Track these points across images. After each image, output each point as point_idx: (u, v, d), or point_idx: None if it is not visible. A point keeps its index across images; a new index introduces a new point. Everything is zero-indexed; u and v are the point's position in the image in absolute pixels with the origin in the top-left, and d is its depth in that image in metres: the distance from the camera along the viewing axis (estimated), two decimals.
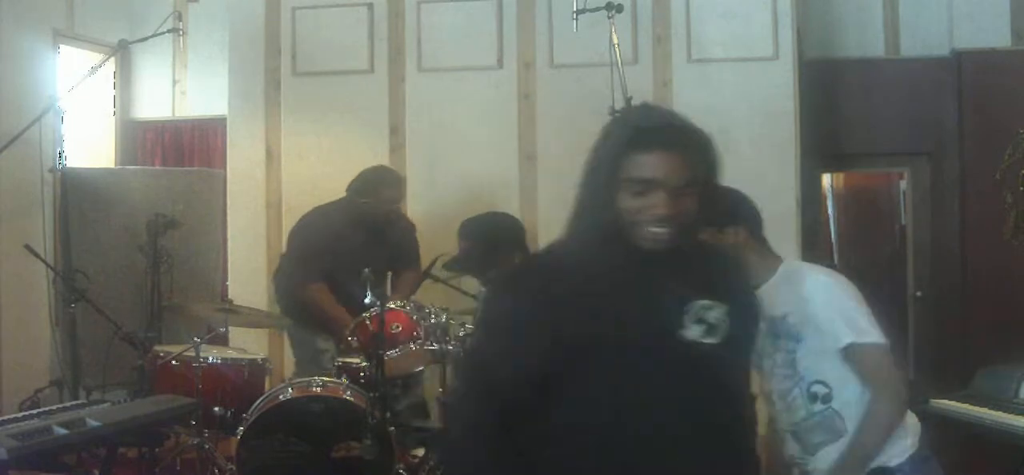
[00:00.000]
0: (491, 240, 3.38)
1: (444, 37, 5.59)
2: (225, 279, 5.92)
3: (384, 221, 4.78)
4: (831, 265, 6.38)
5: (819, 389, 2.33)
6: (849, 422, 2.31)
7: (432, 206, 5.56)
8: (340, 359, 4.47)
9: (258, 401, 4.13)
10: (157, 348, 4.64)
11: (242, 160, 5.80)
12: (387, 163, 5.64)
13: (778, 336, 2.36)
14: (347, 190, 4.79)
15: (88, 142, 6.69)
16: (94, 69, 5.53)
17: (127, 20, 6.59)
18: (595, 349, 1.73)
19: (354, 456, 3.87)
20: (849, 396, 2.32)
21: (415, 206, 5.60)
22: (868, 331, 2.30)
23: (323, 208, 4.87)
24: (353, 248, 4.60)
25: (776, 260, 2.45)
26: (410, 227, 5.07)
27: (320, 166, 5.68)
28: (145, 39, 5.72)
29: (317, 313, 4.62)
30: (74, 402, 3.91)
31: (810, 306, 2.31)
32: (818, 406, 2.34)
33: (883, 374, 2.31)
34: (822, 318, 2.30)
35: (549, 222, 5.41)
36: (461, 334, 4.16)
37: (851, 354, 2.30)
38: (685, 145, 1.76)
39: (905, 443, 2.36)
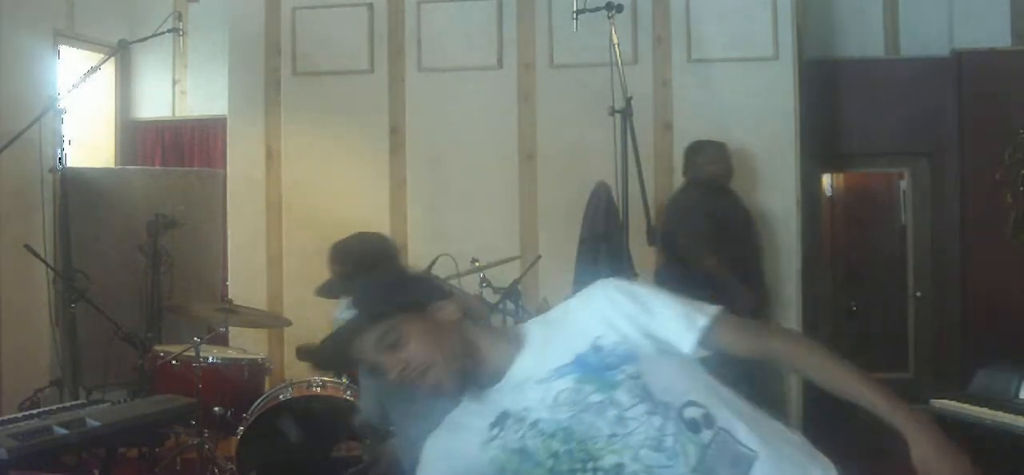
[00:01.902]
0: (365, 263, 3.28)
1: (444, 37, 5.59)
2: (225, 279, 5.92)
3: (714, 195, 4.80)
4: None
5: (694, 412, 1.68)
6: (745, 434, 1.68)
7: (432, 206, 5.57)
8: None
9: (258, 401, 4.13)
10: (157, 348, 4.65)
11: (242, 160, 5.80)
12: (387, 163, 5.65)
13: (607, 368, 1.73)
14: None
15: (88, 142, 6.68)
16: (94, 69, 5.52)
17: (127, 20, 6.58)
18: None
19: (354, 456, 3.87)
20: (725, 406, 1.72)
21: (414, 206, 5.61)
22: (707, 306, 1.81)
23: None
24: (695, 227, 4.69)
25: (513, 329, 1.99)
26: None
27: (320, 166, 5.68)
28: (145, 39, 5.71)
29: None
30: (74, 402, 3.91)
31: (621, 312, 1.78)
32: (705, 434, 1.66)
33: (765, 325, 1.97)
34: (648, 321, 1.77)
35: (548, 222, 5.41)
36: None
37: (710, 338, 1.77)
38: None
39: None
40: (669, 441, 1.65)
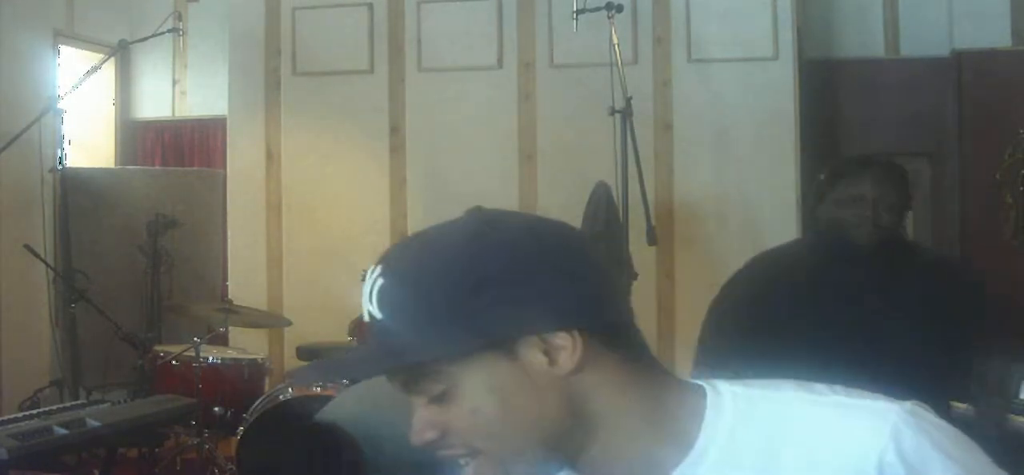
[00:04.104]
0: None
1: (444, 37, 5.59)
2: (225, 279, 5.92)
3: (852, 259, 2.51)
4: None
5: None
6: None
7: (432, 206, 5.56)
8: None
9: (258, 401, 4.13)
10: (157, 348, 4.66)
11: (242, 160, 5.80)
12: (387, 163, 5.65)
13: None
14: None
15: (88, 142, 6.69)
16: (94, 69, 5.53)
17: (127, 20, 6.59)
18: None
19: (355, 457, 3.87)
20: None
21: (414, 206, 5.61)
22: None
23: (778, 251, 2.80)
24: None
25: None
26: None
27: (320, 166, 5.68)
28: (145, 39, 5.72)
29: None
30: (74, 402, 3.91)
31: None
32: None
33: None
34: None
35: None
36: None
37: None
38: None
39: None
40: None
